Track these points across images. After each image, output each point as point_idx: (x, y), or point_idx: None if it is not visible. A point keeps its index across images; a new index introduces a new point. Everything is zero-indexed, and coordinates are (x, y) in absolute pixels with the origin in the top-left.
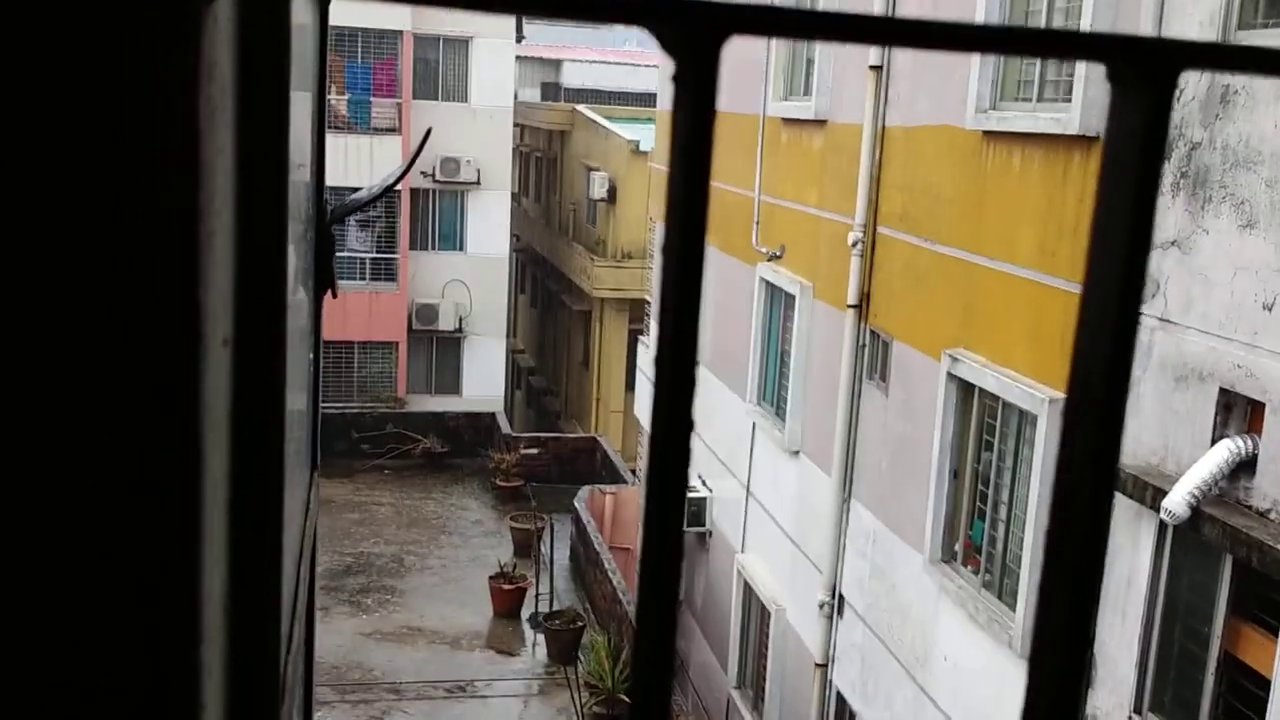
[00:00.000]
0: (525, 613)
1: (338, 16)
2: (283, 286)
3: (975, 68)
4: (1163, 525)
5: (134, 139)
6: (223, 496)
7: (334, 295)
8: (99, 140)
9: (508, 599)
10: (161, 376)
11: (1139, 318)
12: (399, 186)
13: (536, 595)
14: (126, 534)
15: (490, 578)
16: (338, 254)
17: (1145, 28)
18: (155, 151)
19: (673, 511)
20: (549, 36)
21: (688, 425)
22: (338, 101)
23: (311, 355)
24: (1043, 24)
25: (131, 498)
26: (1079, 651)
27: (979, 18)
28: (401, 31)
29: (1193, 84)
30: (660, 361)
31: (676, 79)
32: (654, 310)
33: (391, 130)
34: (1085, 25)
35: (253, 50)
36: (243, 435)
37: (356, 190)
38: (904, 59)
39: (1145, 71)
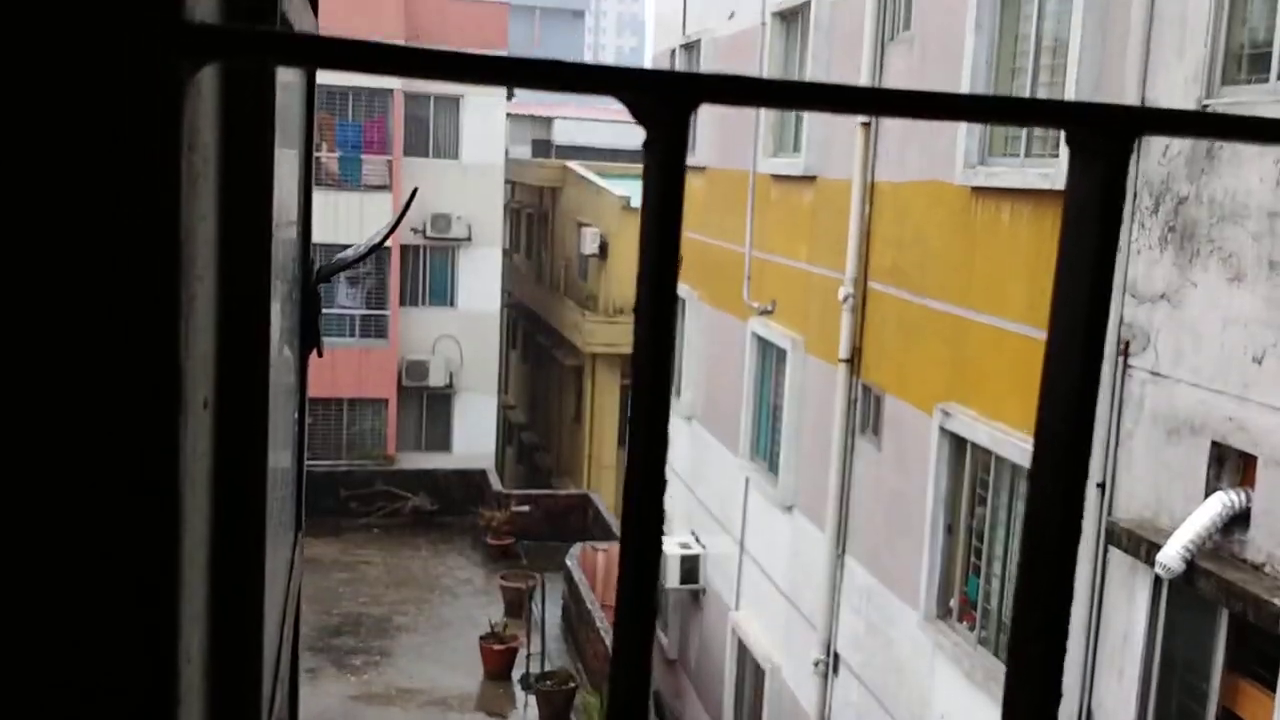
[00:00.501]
0: (516, 674)
1: (328, 76)
2: (265, 349)
3: (963, 123)
4: (1158, 580)
5: (115, 206)
6: (203, 558)
7: (319, 354)
8: (80, 206)
9: (499, 660)
10: (140, 439)
11: (1099, 378)
12: (389, 243)
13: (528, 655)
14: (100, 595)
15: (481, 638)
16: (327, 310)
17: (1130, 83)
18: (136, 219)
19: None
20: (540, 94)
21: (660, 482)
22: (328, 159)
23: (296, 415)
24: (1029, 78)
25: (109, 558)
26: (1055, 680)
27: (965, 73)
28: (392, 90)
29: (1178, 139)
30: (634, 423)
31: (646, 145)
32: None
33: (382, 187)
34: (1070, 80)
35: (236, 120)
36: (224, 497)
37: (347, 247)
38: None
39: (1101, 137)
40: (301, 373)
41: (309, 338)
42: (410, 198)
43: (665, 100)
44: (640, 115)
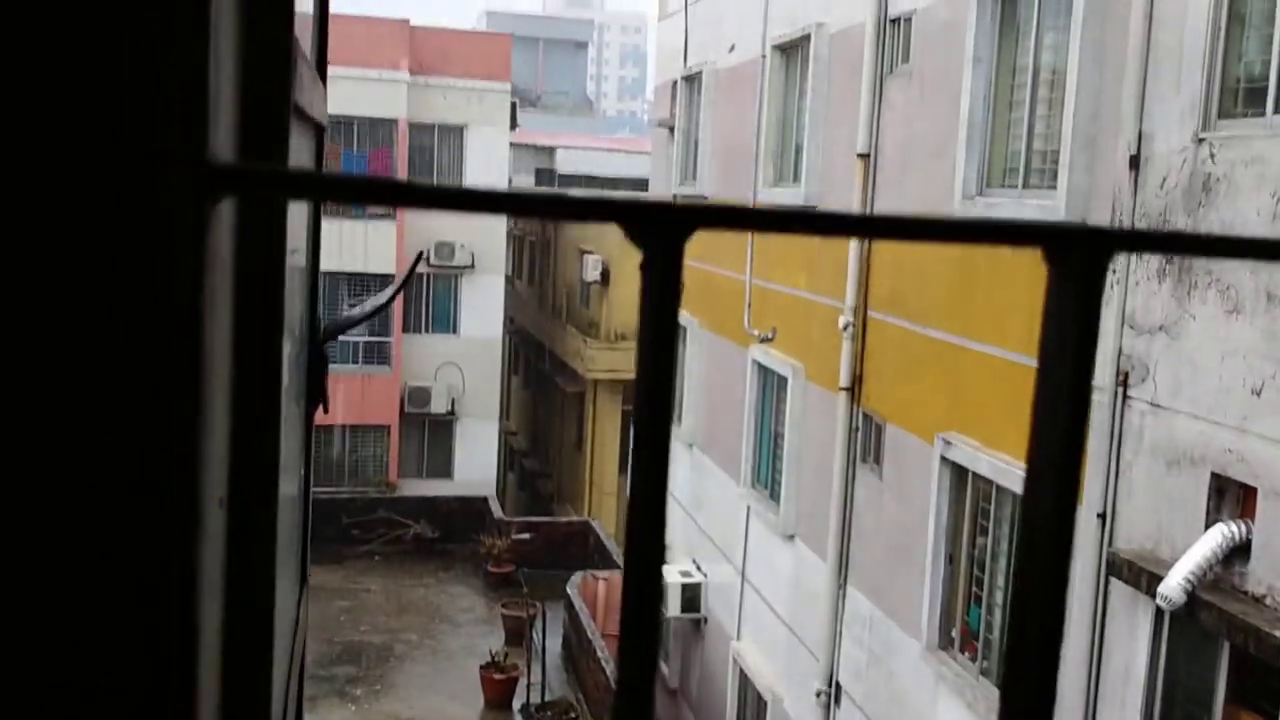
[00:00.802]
0: (517, 703)
1: (332, 105)
2: (276, 444)
3: (961, 154)
4: (1159, 611)
5: (139, 332)
6: (215, 649)
7: (325, 411)
8: (104, 335)
9: (499, 689)
10: (158, 544)
11: (1078, 488)
12: (392, 269)
13: (528, 685)
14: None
15: (481, 667)
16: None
17: (1127, 116)
18: (159, 342)
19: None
20: (543, 124)
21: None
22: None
23: (302, 471)
24: (1026, 110)
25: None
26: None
27: (964, 106)
28: (397, 120)
29: (1175, 170)
30: (629, 537)
31: (643, 267)
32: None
33: (387, 216)
34: (1068, 112)
35: (252, 228)
36: (235, 592)
37: (352, 274)
38: (891, 146)
39: (1078, 257)
40: (307, 431)
41: (314, 396)
42: (416, 261)
43: (662, 228)
44: (638, 240)
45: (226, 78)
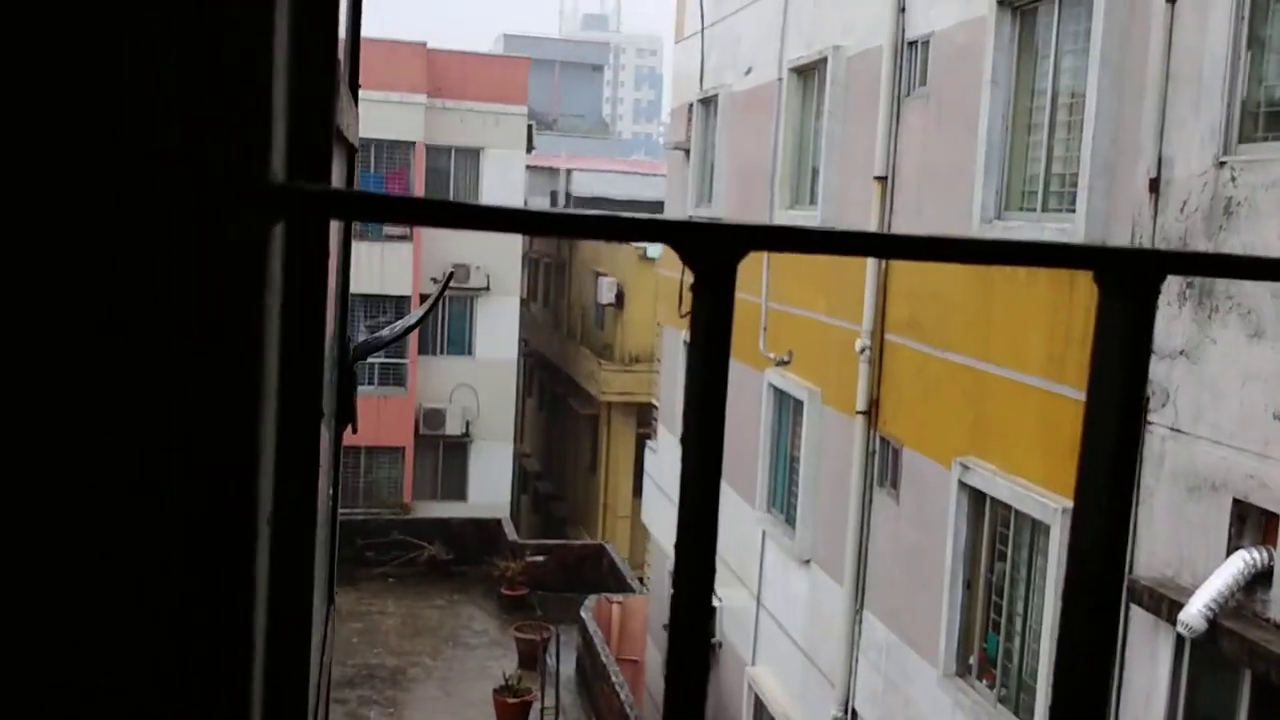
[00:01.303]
0: None
1: None
2: (315, 463)
3: (979, 177)
4: (1180, 639)
5: (202, 350)
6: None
7: (354, 431)
8: (168, 355)
9: (512, 713)
10: (222, 558)
11: (1130, 507)
12: (409, 292)
13: (542, 709)
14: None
15: (494, 691)
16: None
17: (1147, 140)
18: (221, 361)
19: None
20: (559, 146)
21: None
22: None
23: (331, 490)
24: (1045, 134)
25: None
26: None
27: (981, 129)
28: (414, 142)
29: (1195, 194)
30: (679, 549)
31: (695, 288)
32: (659, 430)
33: (403, 238)
34: (1087, 136)
35: (298, 262)
36: (277, 607)
37: (368, 296)
38: (909, 169)
39: (1128, 278)
40: (336, 451)
41: (344, 414)
42: (447, 280)
43: (715, 249)
44: (691, 261)
45: (280, 101)
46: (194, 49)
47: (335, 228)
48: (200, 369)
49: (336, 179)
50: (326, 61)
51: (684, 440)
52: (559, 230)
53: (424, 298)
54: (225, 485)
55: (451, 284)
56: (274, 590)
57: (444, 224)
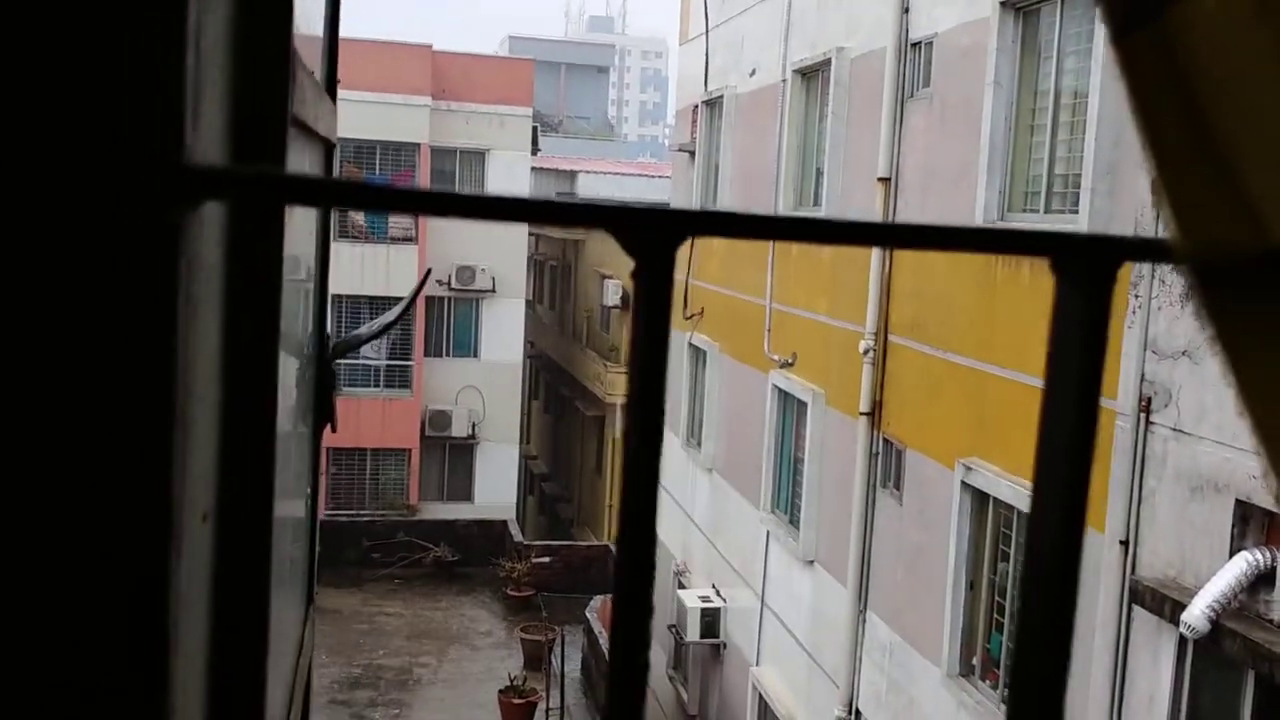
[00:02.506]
0: None
1: (356, 129)
2: (270, 460)
3: (982, 177)
4: (1183, 640)
5: (111, 343)
6: (199, 669)
7: (333, 429)
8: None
9: (518, 714)
10: (131, 561)
11: (1085, 508)
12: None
13: (548, 710)
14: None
15: (500, 691)
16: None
17: None
18: (131, 356)
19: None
20: (564, 148)
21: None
22: (356, 212)
23: (309, 489)
24: (1048, 134)
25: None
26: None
27: (984, 130)
28: (419, 144)
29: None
30: (620, 546)
31: (635, 276)
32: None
33: (408, 240)
34: (1090, 136)
35: (244, 234)
36: (225, 605)
37: (373, 298)
38: (912, 170)
39: (1086, 265)
40: (315, 449)
41: (323, 414)
42: (424, 279)
43: (653, 234)
44: (629, 247)
45: (213, 83)
46: (92, 16)
47: (309, 220)
48: (104, 357)
49: (310, 166)
50: (278, 48)
51: (625, 431)
52: (488, 214)
53: (429, 299)
54: (138, 482)
55: (457, 286)
56: (223, 589)
57: (366, 207)
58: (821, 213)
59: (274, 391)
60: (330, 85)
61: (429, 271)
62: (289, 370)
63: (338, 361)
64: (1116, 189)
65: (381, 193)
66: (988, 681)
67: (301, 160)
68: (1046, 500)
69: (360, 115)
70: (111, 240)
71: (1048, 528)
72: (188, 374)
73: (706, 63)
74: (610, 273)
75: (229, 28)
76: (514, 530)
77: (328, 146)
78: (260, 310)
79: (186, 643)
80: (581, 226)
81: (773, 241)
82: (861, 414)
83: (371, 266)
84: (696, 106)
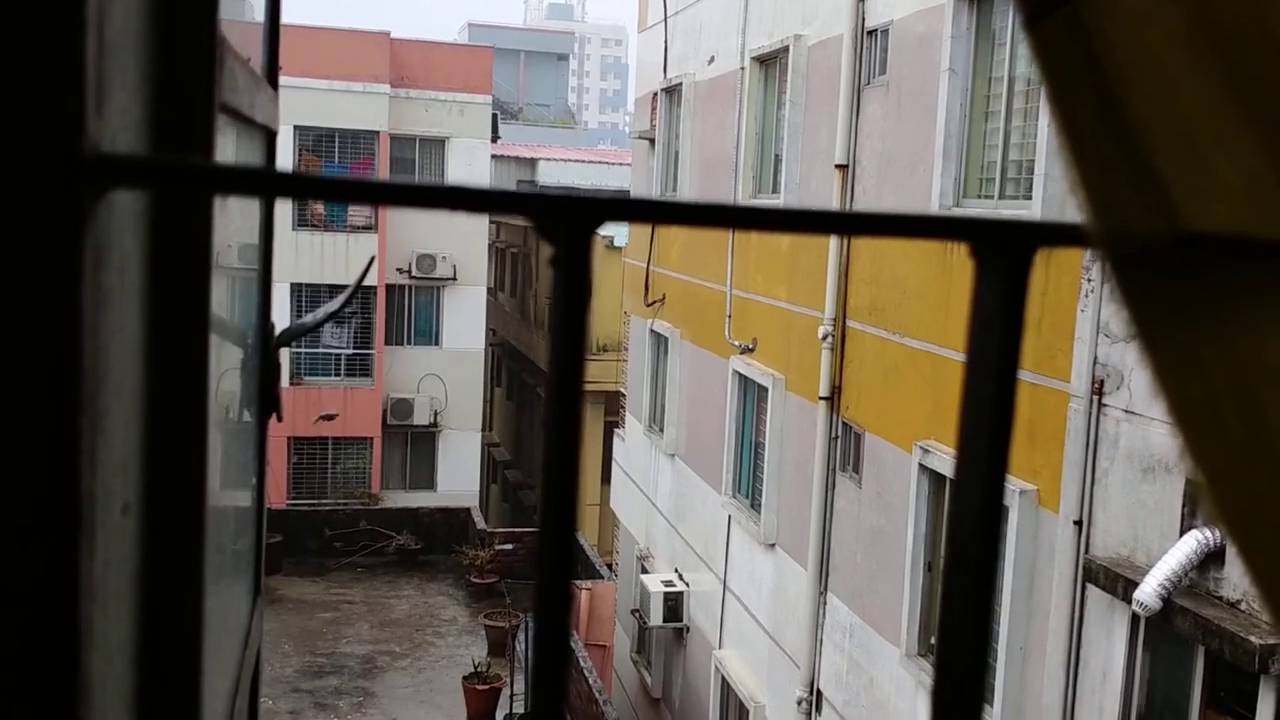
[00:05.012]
0: (500, 713)
1: (315, 117)
2: (201, 450)
3: (938, 164)
4: (1135, 617)
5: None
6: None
7: (279, 419)
8: None
9: (482, 700)
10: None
11: (1005, 480)
12: (374, 283)
13: (511, 695)
14: None
15: (464, 678)
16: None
17: None
18: (28, 335)
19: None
20: (525, 136)
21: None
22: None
23: (255, 480)
24: (1002, 120)
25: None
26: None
27: (940, 116)
28: (378, 131)
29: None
30: (541, 539)
31: (553, 263)
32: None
33: (367, 228)
34: (1043, 122)
35: (165, 235)
36: (153, 600)
37: (334, 286)
38: (869, 156)
39: (1003, 251)
40: (260, 438)
41: (268, 403)
42: (367, 266)
43: (569, 220)
44: (546, 234)
45: (127, 70)
46: None
47: (251, 207)
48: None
49: (244, 161)
50: (201, 34)
51: (545, 418)
52: (409, 201)
53: (390, 287)
54: (40, 471)
55: (418, 274)
56: (152, 582)
57: (275, 194)
58: (779, 199)
59: (204, 381)
60: (271, 73)
61: (372, 259)
62: (229, 359)
63: (297, 349)
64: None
65: (296, 180)
66: (934, 661)
67: (238, 148)
68: (966, 484)
69: (319, 103)
70: (7, 228)
71: (968, 513)
72: (99, 363)
73: (665, 50)
74: None
75: (145, 15)
76: (477, 518)
77: (268, 135)
78: (186, 299)
79: (105, 638)
80: (498, 213)
81: (687, 227)
82: (821, 399)
83: (331, 255)
84: (656, 94)
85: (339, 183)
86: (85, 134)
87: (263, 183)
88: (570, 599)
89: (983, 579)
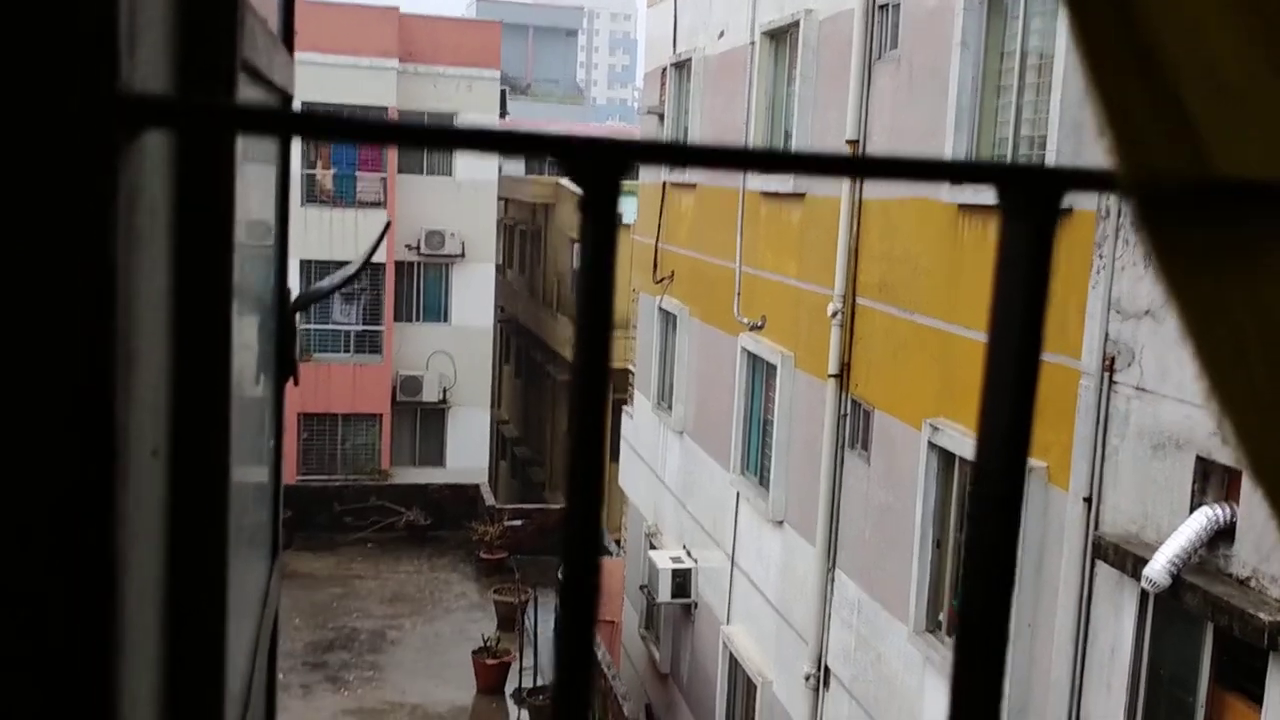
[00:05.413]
0: (509, 688)
1: (323, 93)
2: (225, 398)
3: (949, 138)
4: (1144, 594)
5: (47, 278)
6: (153, 607)
7: (295, 383)
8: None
9: (491, 674)
10: (74, 490)
11: (1029, 439)
12: (383, 259)
13: (520, 670)
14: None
15: (474, 652)
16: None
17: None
18: (69, 289)
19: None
20: (533, 112)
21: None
22: (324, 176)
23: (273, 441)
24: (1014, 95)
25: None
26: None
27: (951, 91)
28: (387, 108)
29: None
30: (571, 475)
31: (582, 206)
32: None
33: (377, 204)
34: (1055, 97)
35: (192, 168)
36: (180, 543)
37: (343, 263)
38: (880, 131)
39: (1030, 197)
40: (277, 401)
41: (285, 366)
42: (384, 231)
43: (599, 162)
44: (575, 178)
45: (156, 20)
46: None
47: (268, 172)
48: (41, 281)
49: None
50: None
51: (573, 365)
52: (438, 143)
53: (399, 264)
54: (79, 403)
55: (426, 251)
56: (178, 523)
57: (304, 134)
58: (790, 177)
59: (227, 327)
60: (287, 37)
61: (389, 224)
62: (248, 321)
63: (306, 326)
64: (1081, 149)
65: (323, 121)
66: (954, 637)
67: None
68: (990, 439)
69: (326, 79)
70: (46, 166)
71: (991, 474)
72: (132, 302)
73: (675, 25)
74: (579, 237)
75: None
76: (486, 494)
77: (284, 98)
78: (211, 245)
79: (137, 572)
80: (528, 155)
81: (714, 170)
82: (830, 376)
83: (340, 231)
84: (665, 69)
85: (367, 124)
86: (119, 75)
87: (289, 123)
88: (598, 566)
89: (1008, 532)
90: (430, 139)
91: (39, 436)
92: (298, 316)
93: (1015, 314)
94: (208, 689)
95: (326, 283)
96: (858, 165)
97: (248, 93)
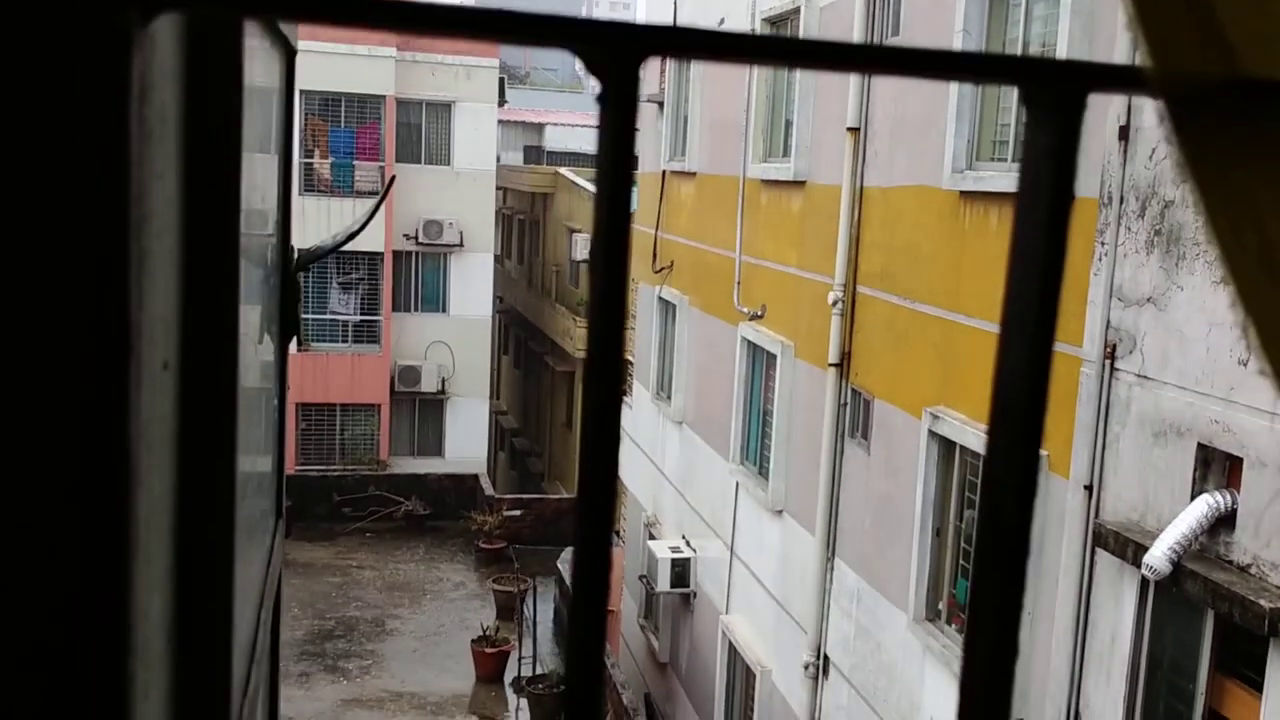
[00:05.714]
0: (509, 677)
1: (321, 81)
2: (233, 311)
3: (951, 128)
4: (1145, 581)
5: (59, 161)
6: (165, 517)
7: (300, 345)
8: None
9: (490, 663)
10: (89, 393)
11: (1053, 339)
12: (381, 249)
13: (520, 659)
14: (50, 548)
15: (473, 641)
16: (321, 316)
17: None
18: (81, 172)
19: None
20: (532, 100)
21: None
22: (321, 165)
23: (276, 401)
24: (1015, 92)
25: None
26: (1008, 662)
27: (952, 94)
28: (385, 96)
29: (1164, 142)
30: (588, 381)
31: (600, 98)
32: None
33: (375, 193)
34: (1063, 35)
35: (200, 78)
36: (190, 455)
37: (341, 252)
38: (881, 121)
39: (1055, 92)
40: (282, 359)
41: (289, 324)
42: (389, 184)
43: (615, 51)
44: (591, 67)
45: None
46: None
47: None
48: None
49: (269, 77)
50: None
51: (591, 264)
52: (440, 28)
53: (397, 254)
54: (92, 298)
55: (425, 240)
56: (186, 433)
57: (324, 19)
58: (790, 163)
59: (236, 238)
60: None
61: (393, 179)
62: (255, 274)
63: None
64: (1085, 137)
65: (343, 2)
66: (954, 625)
67: (267, 62)
68: (1010, 350)
69: (324, 67)
70: (60, 47)
71: (1012, 380)
72: (144, 197)
73: (674, 12)
74: (578, 227)
75: None
76: (485, 484)
77: (289, 53)
78: (221, 140)
79: (150, 486)
80: (542, 44)
81: (745, 65)
82: (830, 365)
83: (338, 220)
84: (665, 57)
85: (378, 5)
86: None
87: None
88: (609, 551)
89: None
90: (443, 23)
91: (52, 332)
92: (300, 277)
93: (1041, 211)
94: (218, 605)
95: (329, 240)
96: (887, 58)
97: (254, 46)
